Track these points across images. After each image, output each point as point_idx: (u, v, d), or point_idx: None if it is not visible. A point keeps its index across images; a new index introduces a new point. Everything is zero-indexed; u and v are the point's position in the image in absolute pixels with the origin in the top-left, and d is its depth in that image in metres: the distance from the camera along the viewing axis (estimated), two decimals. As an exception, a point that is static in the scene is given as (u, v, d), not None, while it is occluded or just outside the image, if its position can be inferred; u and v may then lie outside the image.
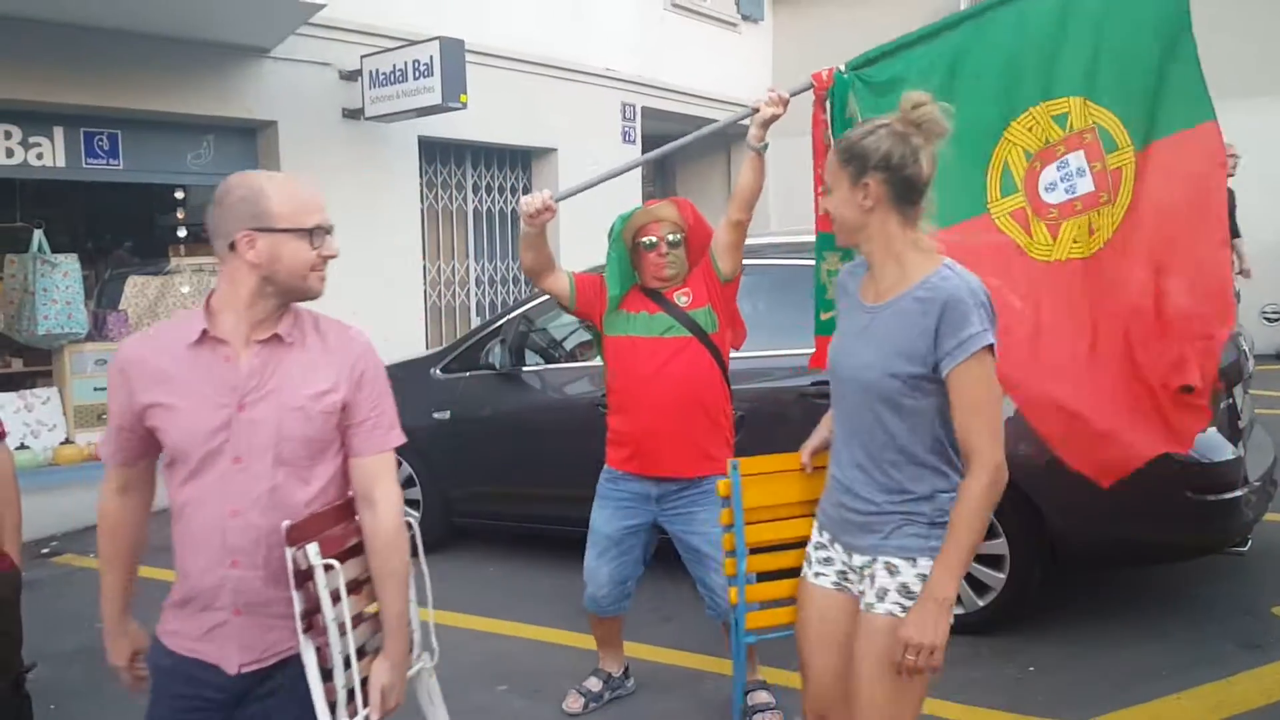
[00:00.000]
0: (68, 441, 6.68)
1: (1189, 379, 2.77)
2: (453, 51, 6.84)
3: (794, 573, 2.43)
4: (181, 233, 7.90)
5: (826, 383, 4.17)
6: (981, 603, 4.11)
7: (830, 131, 3.10)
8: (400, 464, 5.48)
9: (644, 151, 10.03)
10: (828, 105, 3.10)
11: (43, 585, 5.28)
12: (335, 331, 2.04)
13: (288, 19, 6.45)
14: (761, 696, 3.53)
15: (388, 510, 1.97)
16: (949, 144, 2.20)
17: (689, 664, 4.03)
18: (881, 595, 2.09)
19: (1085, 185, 2.90)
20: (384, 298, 7.78)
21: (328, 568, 1.86)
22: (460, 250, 8.82)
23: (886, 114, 2.18)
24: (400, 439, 2.03)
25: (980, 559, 4.08)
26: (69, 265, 6.64)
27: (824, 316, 3.28)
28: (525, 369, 5.20)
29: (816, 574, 2.28)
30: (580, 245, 8.90)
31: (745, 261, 3.56)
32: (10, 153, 6.25)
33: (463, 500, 5.42)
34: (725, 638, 3.57)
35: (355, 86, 7.41)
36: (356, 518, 2.00)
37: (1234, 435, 3.99)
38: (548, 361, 5.31)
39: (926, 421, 2.07)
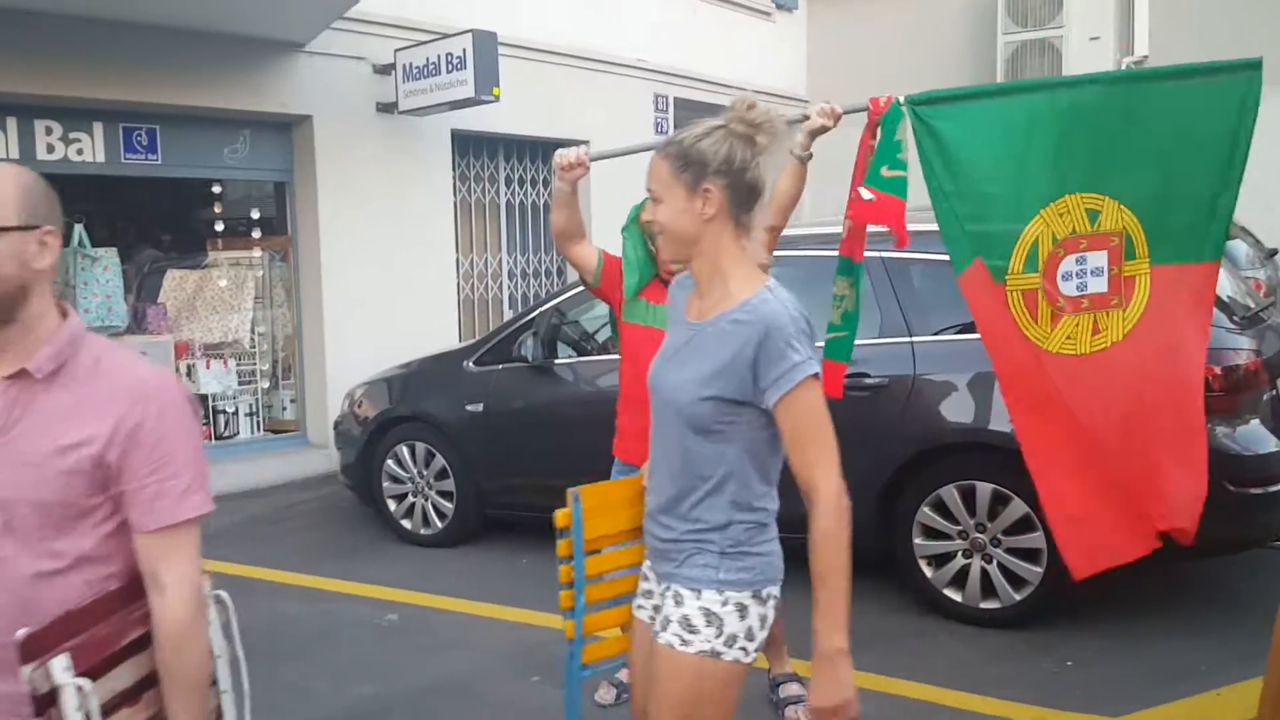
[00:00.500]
0: (109, 433, 6.79)
1: (1175, 525, 2.87)
2: (485, 44, 6.86)
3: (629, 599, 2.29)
4: (218, 227, 8.01)
5: (863, 375, 4.19)
6: (1018, 597, 4.07)
7: (873, 158, 3.08)
8: (435, 455, 5.56)
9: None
10: (878, 132, 3.08)
11: None
12: (117, 370, 1.61)
13: (323, 13, 6.50)
14: (793, 689, 3.52)
15: (178, 598, 1.56)
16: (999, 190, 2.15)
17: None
18: (665, 625, 1.97)
19: (1099, 285, 2.91)
20: (417, 291, 7.84)
21: (81, 686, 1.43)
22: (492, 243, 8.86)
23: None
24: (201, 507, 1.61)
25: (1016, 552, 4.04)
26: (109, 259, 6.75)
27: (830, 337, 3.39)
28: (558, 362, 5.22)
29: (638, 605, 2.18)
30: (611, 233, 8.91)
31: (776, 253, 3.54)
32: (51, 148, 6.36)
33: (496, 492, 5.45)
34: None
35: (389, 80, 7.45)
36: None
37: (1277, 428, 3.92)
38: (580, 354, 5.32)
39: (734, 451, 1.91)
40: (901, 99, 3.08)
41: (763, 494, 1.97)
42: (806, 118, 3.09)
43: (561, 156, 3.20)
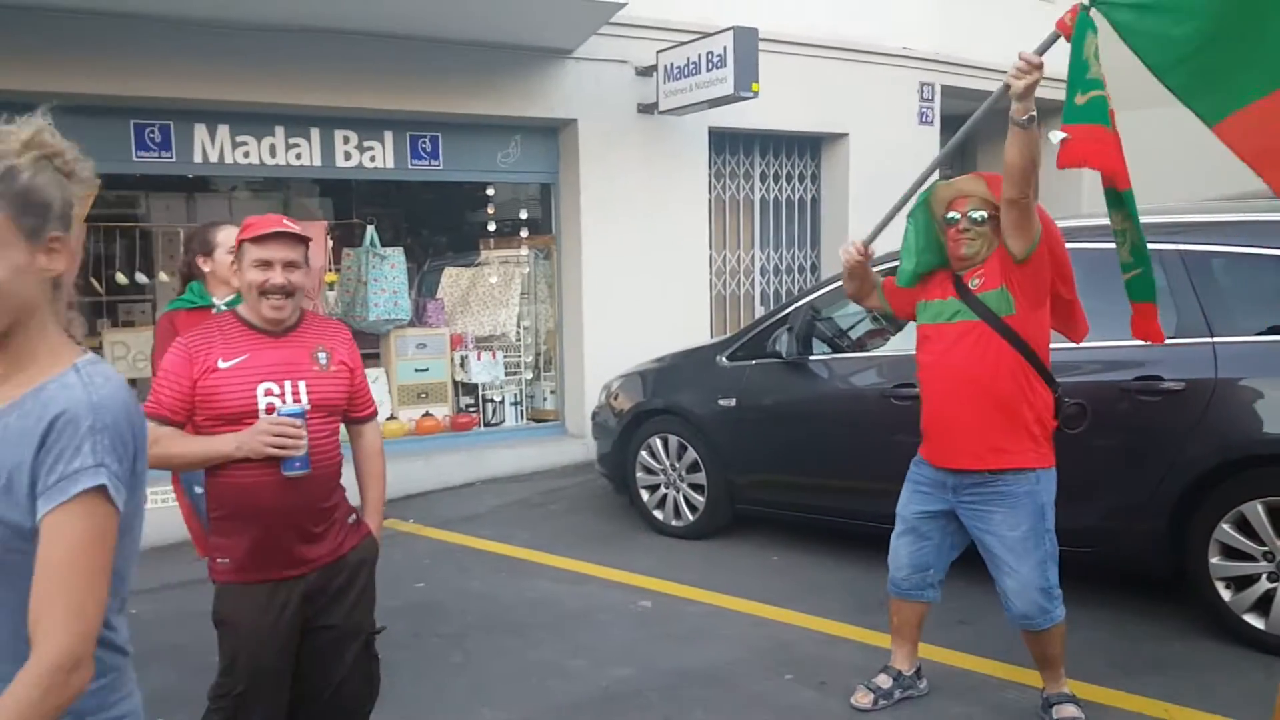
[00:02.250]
0: (391, 418, 7.36)
1: None
2: (746, 41, 6.85)
3: None
4: (490, 226, 8.50)
5: (1155, 378, 3.83)
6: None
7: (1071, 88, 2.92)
8: (687, 448, 5.62)
9: (942, 134, 9.60)
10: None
11: (371, 545, 5.84)
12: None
13: (590, 20, 6.74)
14: (1069, 710, 3.27)
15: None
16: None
17: (987, 670, 3.81)
18: None
19: None
20: (671, 287, 7.96)
21: None
22: (745, 239, 8.86)
23: None
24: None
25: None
26: (396, 257, 7.31)
27: (1127, 277, 3.13)
28: (812, 358, 5.13)
29: None
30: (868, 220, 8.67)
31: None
32: (348, 156, 6.98)
33: (746, 487, 5.43)
34: (1026, 644, 3.35)
35: (650, 81, 7.62)
36: None
37: None
38: (835, 351, 5.20)
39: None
40: (1086, 1, 2.82)
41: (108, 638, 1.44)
42: (1008, 86, 2.95)
43: (847, 258, 3.51)
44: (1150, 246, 4.10)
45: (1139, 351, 3.99)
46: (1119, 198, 3.00)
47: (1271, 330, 3.81)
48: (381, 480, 2.83)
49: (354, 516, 2.72)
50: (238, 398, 2.44)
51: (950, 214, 3.27)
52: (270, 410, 2.45)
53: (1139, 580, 4.26)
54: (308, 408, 2.49)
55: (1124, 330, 4.14)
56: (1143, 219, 4.40)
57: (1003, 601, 3.28)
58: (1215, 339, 3.86)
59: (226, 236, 3.60)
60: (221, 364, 2.45)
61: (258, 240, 2.50)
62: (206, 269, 3.67)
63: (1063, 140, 2.86)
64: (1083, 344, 4.14)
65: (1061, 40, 3.00)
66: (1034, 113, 2.97)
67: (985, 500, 3.22)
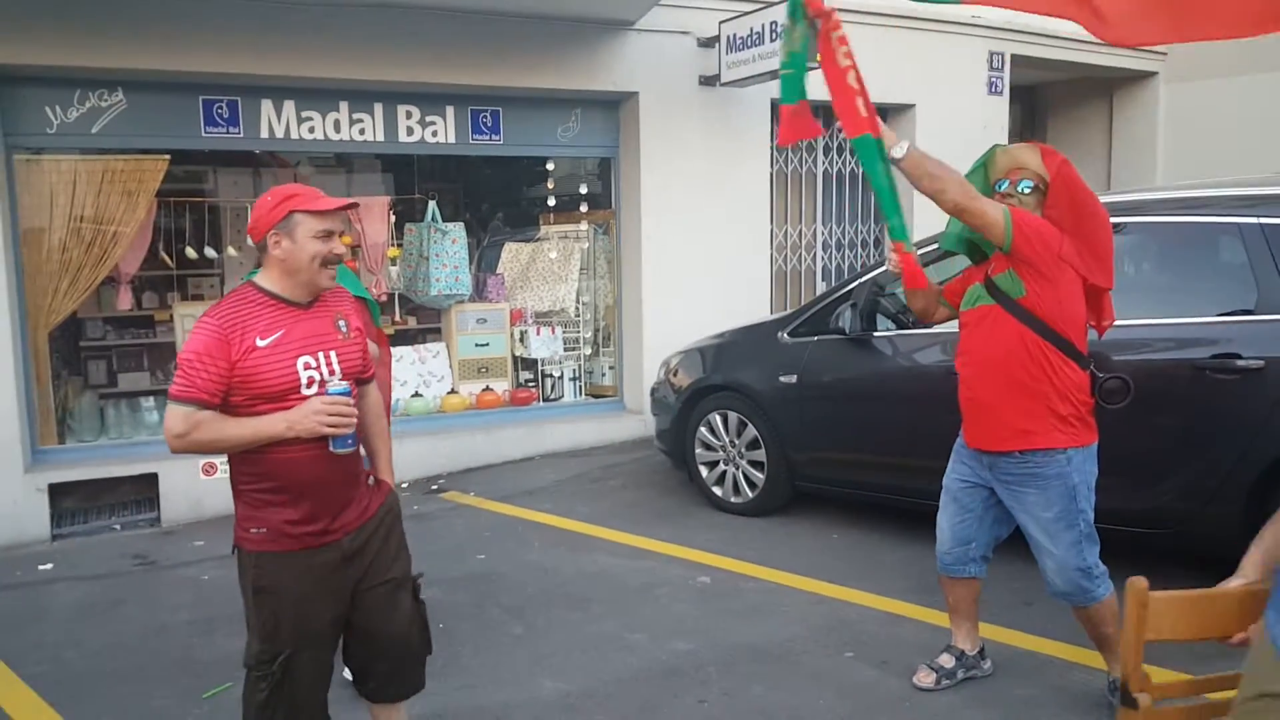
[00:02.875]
0: (453, 391, 7.44)
1: None
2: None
3: None
4: (550, 201, 8.50)
5: (1231, 355, 3.71)
6: None
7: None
8: (746, 425, 5.59)
9: (1012, 103, 9.36)
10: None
11: (432, 518, 5.93)
12: None
13: (652, -10, 6.67)
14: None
15: None
16: None
17: (1052, 651, 3.74)
18: None
19: None
20: (731, 262, 7.90)
21: None
22: (808, 214, 8.75)
23: None
24: None
25: None
26: (457, 233, 7.36)
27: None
28: (876, 334, 5.05)
29: None
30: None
31: (1122, 219, 3.25)
32: (411, 131, 7.01)
33: (806, 464, 5.38)
34: (1080, 623, 3.29)
35: (712, 53, 7.53)
36: None
37: None
38: (899, 327, 5.11)
39: None
40: None
41: None
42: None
43: (892, 262, 3.46)
44: (1230, 220, 3.99)
45: (1215, 329, 3.87)
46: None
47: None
48: (389, 437, 2.90)
49: (371, 479, 2.76)
50: (281, 375, 2.43)
51: (1001, 181, 3.19)
52: (311, 384, 2.46)
53: (1220, 565, 4.14)
54: (347, 382, 2.51)
55: (1199, 306, 4.04)
56: (1221, 192, 4.27)
57: (1044, 580, 3.27)
58: (1300, 316, 3.72)
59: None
60: (260, 342, 2.42)
61: (320, 213, 2.51)
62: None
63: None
64: (1157, 320, 4.05)
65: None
66: (903, 144, 3.11)
67: (1019, 481, 3.21)
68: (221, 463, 3.15)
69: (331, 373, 2.50)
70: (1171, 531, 4.00)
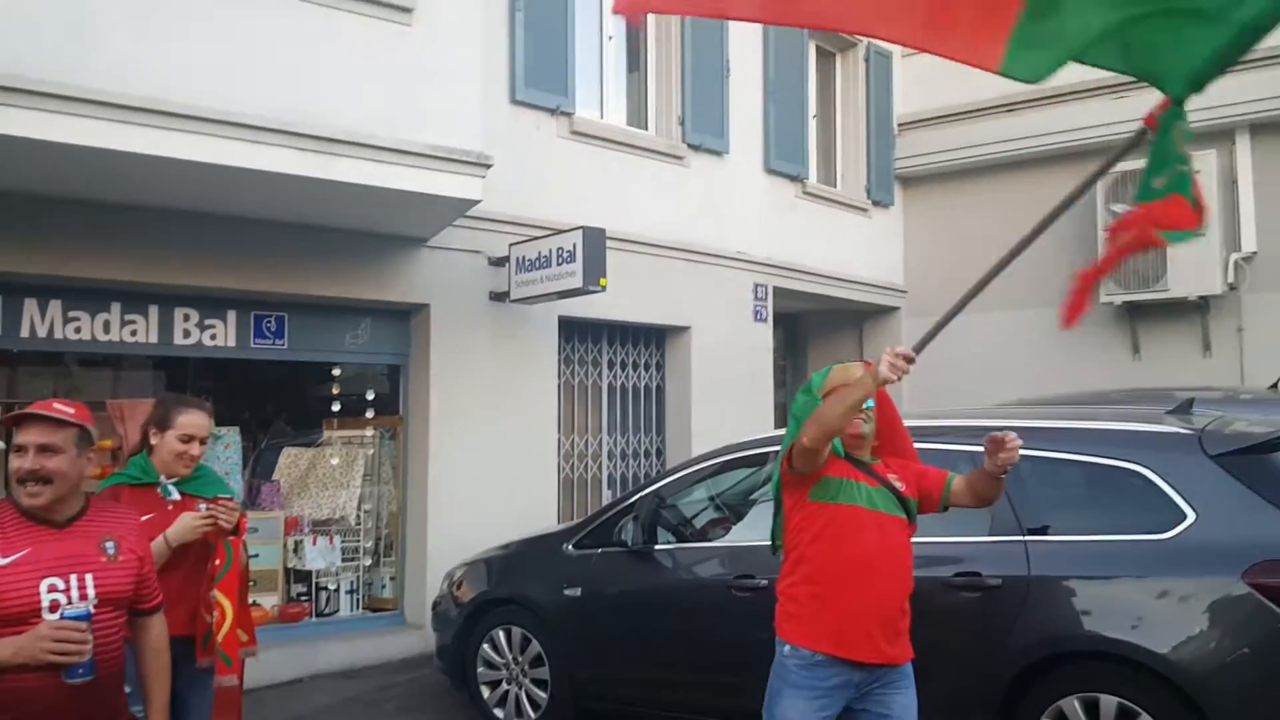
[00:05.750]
0: (217, 606, 6.92)
1: None
2: (594, 240, 7.20)
3: None
4: (335, 406, 8.35)
5: (973, 574, 4.05)
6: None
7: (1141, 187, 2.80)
8: (530, 641, 5.50)
9: (775, 329, 10.19)
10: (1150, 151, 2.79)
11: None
12: None
13: (447, 214, 6.95)
14: None
15: None
16: None
17: None
18: None
19: None
20: (519, 471, 7.97)
21: None
22: (594, 424, 9.01)
23: None
24: None
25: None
26: (230, 438, 7.08)
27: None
28: (658, 547, 5.19)
29: None
30: (710, 408, 9.00)
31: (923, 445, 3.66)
32: (188, 334, 6.81)
33: (591, 682, 5.32)
34: None
35: (502, 271, 7.84)
36: None
37: None
38: (680, 540, 5.28)
39: None
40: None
41: None
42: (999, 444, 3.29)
43: (897, 368, 2.99)
44: (963, 449, 4.44)
45: (960, 549, 4.24)
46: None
47: (1074, 531, 4.12)
48: (167, 678, 2.68)
49: None
50: (19, 596, 2.28)
51: None
52: (54, 608, 2.30)
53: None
54: (95, 606, 2.36)
55: (947, 527, 4.42)
56: (951, 422, 4.77)
57: None
58: (1027, 538, 4.14)
59: (188, 420, 3.44)
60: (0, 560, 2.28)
61: (15, 423, 2.39)
62: (154, 441, 3.49)
63: (1126, 212, 2.88)
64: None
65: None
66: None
67: (891, 686, 3.31)
68: None
69: (84, 597, 2.34)
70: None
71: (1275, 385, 6.45)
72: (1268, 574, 3.60)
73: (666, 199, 9.22)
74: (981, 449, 4.26)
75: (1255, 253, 9.69)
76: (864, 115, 11.70)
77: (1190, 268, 9.46)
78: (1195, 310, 9.87)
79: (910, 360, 2.99)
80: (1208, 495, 3.86)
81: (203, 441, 3.43)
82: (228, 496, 3.37)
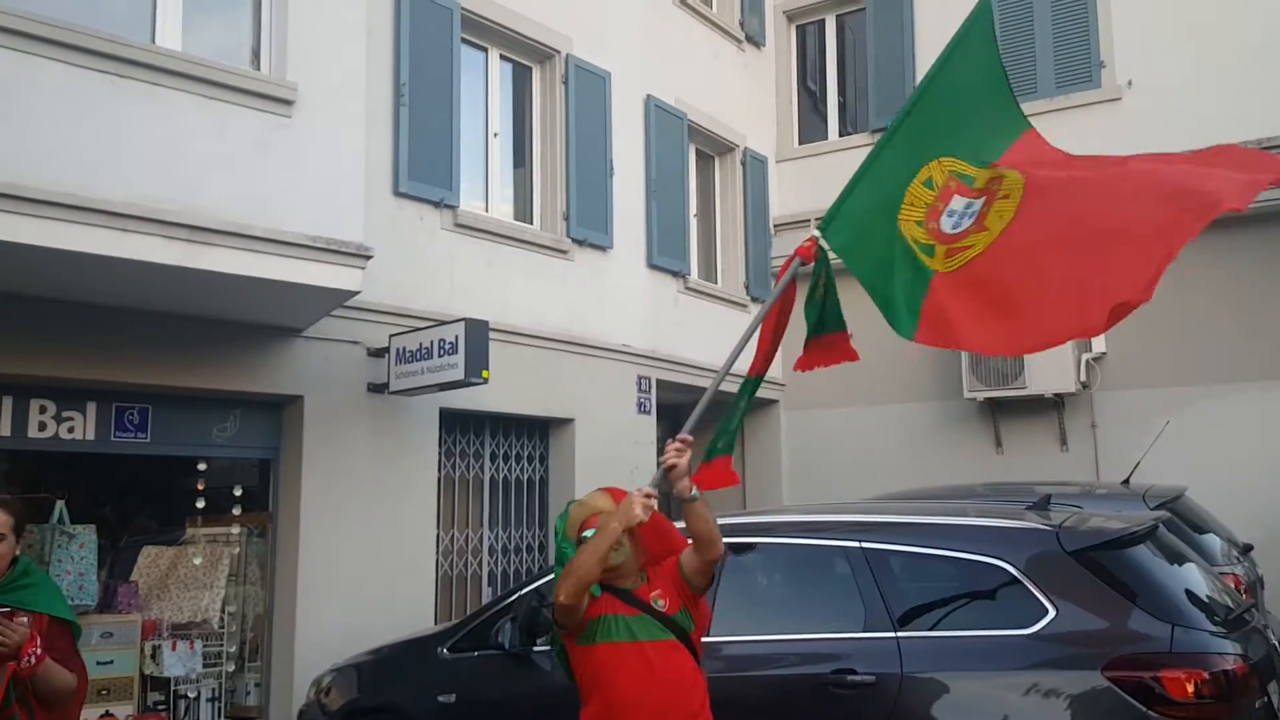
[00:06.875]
0: None
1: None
2: (477, 331, 7.17)
3: None
4: (200, 504, 7.98)
5: (848, 670, 4.09)
6: None
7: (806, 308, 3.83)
8: (401, 754, 5.28)
9: (659, 421, 10.26)
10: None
11: None
12: None
13: (323, 305, 6.83)
14: None
15: None
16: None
17: None
18: None
19: (973, 213, 3.59)
20: (395, 568, 7.73)
21: None
22: (475, 519, 8.85)
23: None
24: None
25: None
26: (86, 536, 6.69)
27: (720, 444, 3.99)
28: (535, 649, 5.08)
29: None
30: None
31: (753, 539, 3.62)
32: (43, 426, 6.45)
33: (466, 793, 5.13)
34: None
35: (381, 362, 7.72)
36: None
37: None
38: (559, 641, 5.18)
39: None
40: (818, 232, 3.75)
41: None
42: (671, 466, 3.35)
43: (648, 508, 3.25)
44: (839, 544, 4.53)
45: (835, 645, 4.28)
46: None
47: (944, 626, 4.21)
48: None
49: None
50: None
51: (586, 532, 3.41)
52: None
53: None
54: None
55: (821, 623, 4.47)
56: (827, 518, 4.89)
57: None
58: (899, 634, 4.21)
59: None
60: None
61: None
62: None
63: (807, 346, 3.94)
64: (783, 636, 4.42)
65: None
66: (695, 493, 3.32)
67: None
68: None
69: None
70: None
71: (1127, 480, 6.78)
72: (1125, 668, 3.75)
73: (551, 292, 9.29)
74: (858, 543, 4.38)
75: (1104, 353, 10.28)
76: (742, 214, 12.09)
77: (1046, 367, 9.93)
78: (1052, 407, 10.37)
79: (653, 498, 3.23)
80: (1066, 590, 4.02)
81: (2, 538, 3.23)
82: (23, 611, 3.11)
